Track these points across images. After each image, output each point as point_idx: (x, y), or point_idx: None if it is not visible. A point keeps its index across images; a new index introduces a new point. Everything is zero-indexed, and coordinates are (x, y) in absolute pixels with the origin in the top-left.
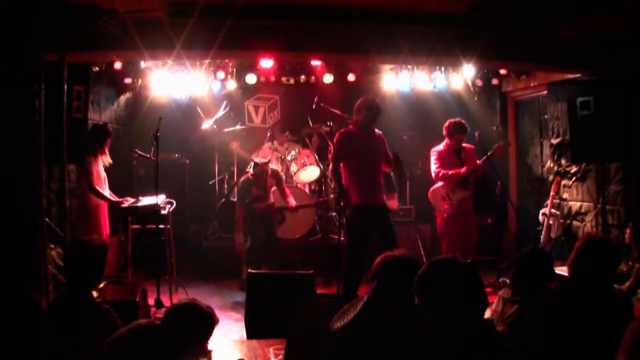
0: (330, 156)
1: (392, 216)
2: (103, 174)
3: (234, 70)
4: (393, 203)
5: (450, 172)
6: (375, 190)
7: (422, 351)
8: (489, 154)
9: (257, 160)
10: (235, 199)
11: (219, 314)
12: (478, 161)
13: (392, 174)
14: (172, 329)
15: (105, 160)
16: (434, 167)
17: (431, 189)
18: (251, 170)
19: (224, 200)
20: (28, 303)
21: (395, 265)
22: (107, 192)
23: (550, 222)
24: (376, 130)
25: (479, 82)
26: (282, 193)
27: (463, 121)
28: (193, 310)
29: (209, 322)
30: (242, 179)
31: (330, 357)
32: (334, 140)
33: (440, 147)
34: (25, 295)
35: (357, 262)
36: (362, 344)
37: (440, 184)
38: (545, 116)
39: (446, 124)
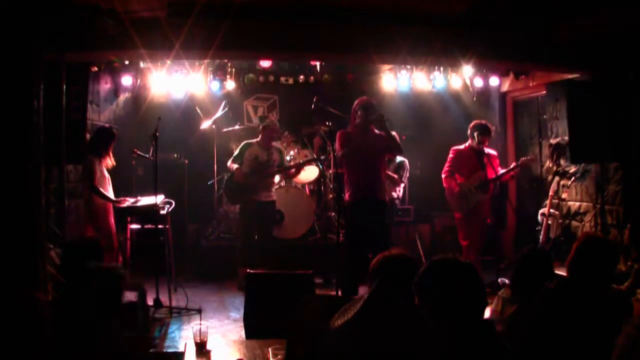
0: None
1: (392, 215)
2: (107, 174)
3: (233, 70)
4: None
5: (448, 181)
6: (374, 186)
7: (421, 351)
8: (512, 169)
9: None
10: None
11: (217, 314)
12: (499, 168)
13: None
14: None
15: (109, 162)
16: (445, 165)
17: (448, 186)
18: (261, 125)
19: (231, 173)
20: (31, 305)
21: (394, 264)
22: (110, 193)
23: (549, 222)
24: (376, 130)
25: (478, 82)
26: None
27: (489, 124)
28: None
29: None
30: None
31: (329, 356)
32: (336, 139)
33: (461, 146)
34: (28, 298)
35: (355, 260)
36: (361, 343)
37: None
38: (544, 116)
39: (471, 124)
